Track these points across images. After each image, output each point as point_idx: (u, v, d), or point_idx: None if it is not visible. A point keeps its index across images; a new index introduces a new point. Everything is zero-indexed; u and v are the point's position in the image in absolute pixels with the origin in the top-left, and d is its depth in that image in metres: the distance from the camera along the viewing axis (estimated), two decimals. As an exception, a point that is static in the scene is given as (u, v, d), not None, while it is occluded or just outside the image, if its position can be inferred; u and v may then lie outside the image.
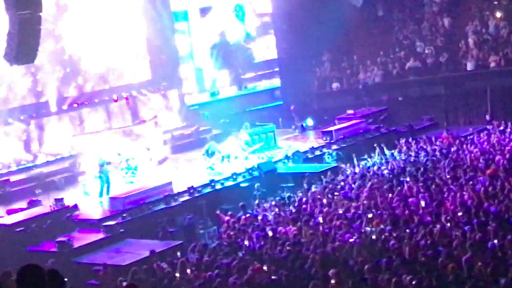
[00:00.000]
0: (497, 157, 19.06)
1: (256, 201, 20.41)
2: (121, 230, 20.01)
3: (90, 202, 22.91)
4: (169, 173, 25.30)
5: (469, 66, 31.27)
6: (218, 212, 20.07)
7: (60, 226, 20.68)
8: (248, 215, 18.64)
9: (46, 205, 21.63)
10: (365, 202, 17.16)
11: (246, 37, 34.02)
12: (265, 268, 13.95)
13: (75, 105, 29.00)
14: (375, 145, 24.05)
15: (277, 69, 35.20)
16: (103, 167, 23.01)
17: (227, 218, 18.74)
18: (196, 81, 33.09)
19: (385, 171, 20.56)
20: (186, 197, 22.05)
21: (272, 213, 18.53)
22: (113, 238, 19.72)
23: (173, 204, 21.54)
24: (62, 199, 21.81)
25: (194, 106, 32.56)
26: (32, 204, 22.39)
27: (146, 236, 19.93)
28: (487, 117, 27.30)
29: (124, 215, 20.73)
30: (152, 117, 29.02)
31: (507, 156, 18.95)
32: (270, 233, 16.24)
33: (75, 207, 21.72)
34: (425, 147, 23.24)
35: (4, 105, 27.02)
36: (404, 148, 23.87)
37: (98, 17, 29.29)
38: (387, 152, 23.46)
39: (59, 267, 17.49)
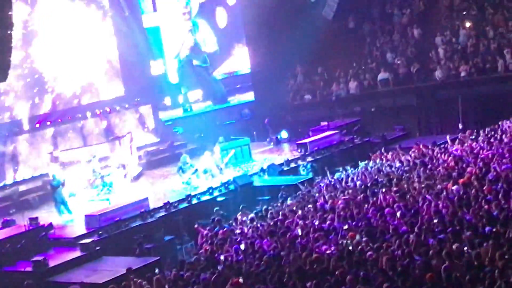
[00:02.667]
0: (470, 166, 19.23)
1: (239, 214, 20.41)
2: (97, 248, 19.88)
3: (65, 220, 22.77)
4: (144, 189, 25.26)
5: (440, 75, 31.60)
6: (196, 225, 20.04)
7: (35, 245, 20.52)
8: (225, 229, 18.62)
9: (21, 224, 21.46)
10: (341, 213, 17.21)
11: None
12: (242, 281, 13.93)
13: (48, 123, 28.87)
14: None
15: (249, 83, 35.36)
16: (57, 188, 22.89)
17: (205, 232, 18.72)
18: (170, 96, 33.08)
19: (358, 182, 20.64)
20: (162, 213, 22.01)
21: (250, 226, 18.53)
22: (90, 256, 19.58)
23: (150, 220, 21.48)
24: (36, 218, 21.63)
25: (168, 122, 32.53)
26: (6, 223, 22.18)
27: (122, 253, 19.83)
28: (460, 126, 27.57)
29: (100, 232, 20.61)
30: (126, 133, 28.93)
31: (480, 164, 19.12)
32: (248, 247, 16.23)
33: (50, 225, 21.54)
34: (398, 156, 23.41)
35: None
36: (378, 158, 24.04)
37: (69, 34, 29.27)
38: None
39: (35, 287, 17.42)
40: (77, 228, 21.81)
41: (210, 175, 25.29)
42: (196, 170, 25.08)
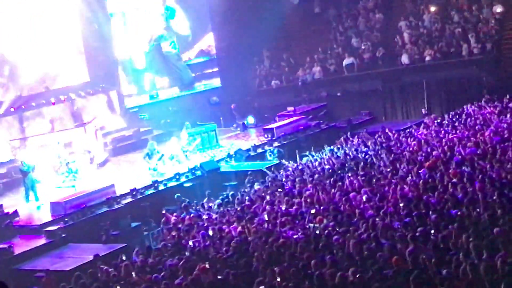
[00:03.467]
0: (435, 150, 19.41)
1: (205, 199, 20.38)
2: (63, 235, 19.73)
3: (30, 208, 22.57)
4: (111, 176, 25.09)
5: (405, 60, 31.79)
6: (164, 212, 19.94)
7: (0, 233, 20.32)
8: (192, 215, 18.59)
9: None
10: (308, 198, 17.28)
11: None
12: (209, 267, 13.95)
13: (12, 109, 28.53)
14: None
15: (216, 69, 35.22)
16: (28, 173, 22.65)
17: (173, 218, 18.67)
18: (135, 83, 32.86)
19: (327, 166, 20.73)
20: (129, 199, 21.89)
21: (217, 212, 18.52)
22: (55, 243, 19.44)
23: (116, 206, 21.35)
24: (1, 205, 21.40)
25: (133, 108, 32.29)
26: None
27: (89, 240, 19.71)
28: (423, 111, 27.76)
29: (66, 219, 20.44)
30: (92, 119, 28.68)
31: (445, 148, 19.30)
32: (215, 233, 16.23)
33: (15, 213, 21.33)
34: (364, 141, 23.53)
35: None
36: (344, 143, 24.15)
37: (32, 19, 28.90)
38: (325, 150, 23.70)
39: (0, 274, 17.26)
40: (43, 215, 21.60)
41: (176, 161, 25.21)
42: (162, 155, 24.95)
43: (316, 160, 22.28)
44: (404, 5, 34.28)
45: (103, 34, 31.25)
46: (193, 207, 19.69)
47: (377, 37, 33.80)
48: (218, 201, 19.75)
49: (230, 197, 19.73)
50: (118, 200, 21.73)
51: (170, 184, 23.08)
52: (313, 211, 16.17)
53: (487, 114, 22.64)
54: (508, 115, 21.64)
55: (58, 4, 30.04)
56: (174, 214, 19.33)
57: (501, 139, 18.90)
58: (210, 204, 19.86)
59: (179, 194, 21.37)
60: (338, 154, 22.34)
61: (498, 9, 30.77)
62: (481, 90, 27.56)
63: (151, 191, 22.53)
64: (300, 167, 21.69)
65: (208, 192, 21.54)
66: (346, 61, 33.27)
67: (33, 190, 22.77)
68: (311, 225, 15.34)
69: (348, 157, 21.35)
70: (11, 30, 28.31)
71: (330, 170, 20.03)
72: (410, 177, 17.13)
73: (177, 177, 23.35)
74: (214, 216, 18.21)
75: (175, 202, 21.04)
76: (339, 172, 19.58)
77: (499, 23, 30.53)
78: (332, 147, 23.88)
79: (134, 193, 22.08)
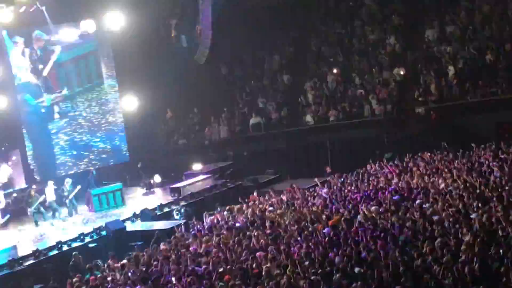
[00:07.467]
0: (339, 208, 19.79)
1: (110, 260, 20.09)
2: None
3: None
4: (12, 236, 24.47)
5: (309, 120, 32.48)
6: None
7: None
8: (98, 276, 18.26)
9: None
10: (214, 257, 17.29)
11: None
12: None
13: None
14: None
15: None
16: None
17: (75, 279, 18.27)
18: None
19: (237, 224, 20.82)
20: (31, 261, 21.36)
21: (122, 273, 18.25)
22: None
23: (18, 268, 20.79)
24: None
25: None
26: None
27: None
28: (328, 169, 28.31)
29: (-35, 284, 19.82)
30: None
31: (349, 206, 19.71)
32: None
33: None
34: (271, 199, 23.78)
35: None
36: (251, 201, 24.33)
37: None
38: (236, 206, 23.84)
39: None
40: None
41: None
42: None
43: (223, 218, 22.32)
44: (308, 67, 35.17)
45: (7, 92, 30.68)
46: (98, 268, 19.37)
47: (282, 97, 34.46)
48: (124, 261, 19.46)
49: (135, 257, 19.48)
50: (20, 261, 21.17)
51: (75, 244, 22.67)
52: (220, 269, 16.17)
53: (388, 174, 23.30)
54: (408, 174, 22.35)
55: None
56: (78, 275, 18.93)
57: (401, 197, 19.48)
58: (116, 265, 19.56)
59: (76, 252, 21.10)
60: (245, 212, 22.47)
61: (401, 71, 31.93)
62: (383, 149, 28.35)
63: (54, 252, 22.06)
64: (206, 226, 21.69)
65: (110, 253, 21.23)
66: (253, 120, 33.75)
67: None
68: (218, 284, 15.32)
69: (254, 215, 21.51)
70: None
71: (237, 229, 20.10)
72: (314, 235, 17.38)
73: (82, 237, 22.98)
74: (119, 277, 17.94)
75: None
76: (245, 230, 19.68)
77: (399, 85, 31.65)
78: (239, 205, 24.01)
79: (36, 254, 21.57)
